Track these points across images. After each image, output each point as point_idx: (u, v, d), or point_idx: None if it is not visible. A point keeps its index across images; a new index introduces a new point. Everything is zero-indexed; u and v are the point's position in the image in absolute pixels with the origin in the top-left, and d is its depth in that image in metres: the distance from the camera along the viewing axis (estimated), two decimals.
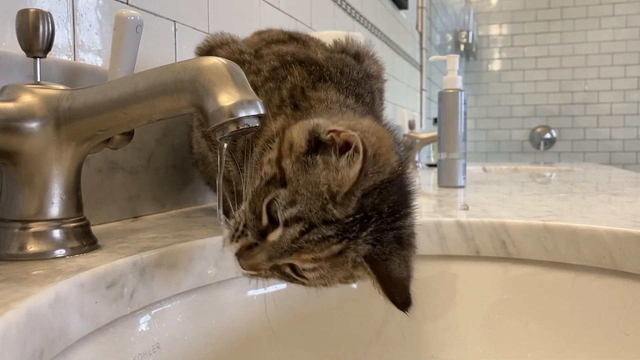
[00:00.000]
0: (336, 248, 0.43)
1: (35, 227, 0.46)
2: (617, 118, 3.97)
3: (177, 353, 0.53)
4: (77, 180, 0.49)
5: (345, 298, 0.68)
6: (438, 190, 1.15)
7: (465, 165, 1.22)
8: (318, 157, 0.44)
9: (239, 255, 0.46)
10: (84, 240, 0.49)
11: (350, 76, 0.58)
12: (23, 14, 0.47)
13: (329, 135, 0.44)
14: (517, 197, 0.97)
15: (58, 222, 0.47)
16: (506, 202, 0.89)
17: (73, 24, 0.63)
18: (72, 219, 0.48)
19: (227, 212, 0.65)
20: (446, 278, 0.69)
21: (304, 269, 0.45)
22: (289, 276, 0.46)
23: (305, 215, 0.43)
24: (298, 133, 0.46)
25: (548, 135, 4.10)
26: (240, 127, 0.42)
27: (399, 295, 0.45)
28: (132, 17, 0.53)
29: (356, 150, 0.42)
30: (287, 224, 0.43)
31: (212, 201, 0.87)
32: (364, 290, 0.69)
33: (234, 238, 0.46)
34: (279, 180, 0.45)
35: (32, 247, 0.46)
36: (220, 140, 0.44)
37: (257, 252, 0.45)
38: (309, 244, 0.43)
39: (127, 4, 0.71)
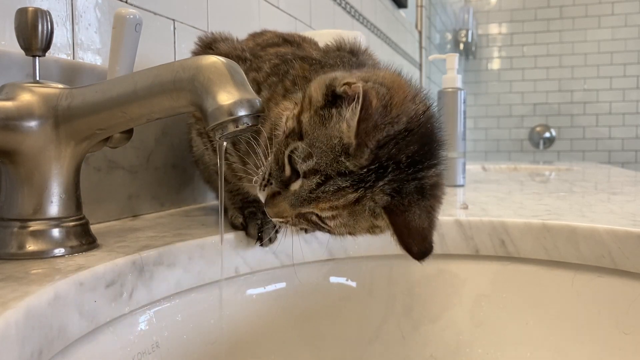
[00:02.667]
0: (352, 197, 0.44)
1: (34, 226, 0.46)
2: (617, 117, 3.97)
3: (176, 352, 0.53)
4: (76, 179, 0.49)
5: (345, 297, 0.68)
6: None
7: (464, 164, 1.22)
8: (334, 110, 0.45)
9: (266, 203, 0.48)
10: (83, 239, 0.49)
11: (350, 62, 0.59)
12: (22, 13, 0.47)
13: (342, 88, 0.45)
14: (517, 196, 0.97)
15: (57, 221, 0.47)
16: (505, 201, 0.89)
17: (72, 23, 0.62)
18: (71, 218, 0.48)
19: (227, 211, 0.66)
20: (445, 277, 0.69)
21: (324, 217, 0.47)
22: (315, 223, 0.48)
23: (321, 167, 0.44)
24: (316, 88, 0.47)
25: (547, 134, 4.09)
26: (240, 126, 0.42)
27: (417, 245, 0.46)
28: (132, 16, 0.53)
29: (357, 101, 0.42)
30: (305, 175, 0.45)
31: (212, 200, 0.87)
32: (363, 290, 0.69)
33: (261, 186, 0.49)
34: (297, 133, 0.46)
35: (31, 246, 0.46)
36: (219, 139, 0.44)
37: (280, 201, 0.47)
38: (326, 194, 0.44)
39: (126, 2, 0.70)
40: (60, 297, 0.38)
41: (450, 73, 1.22)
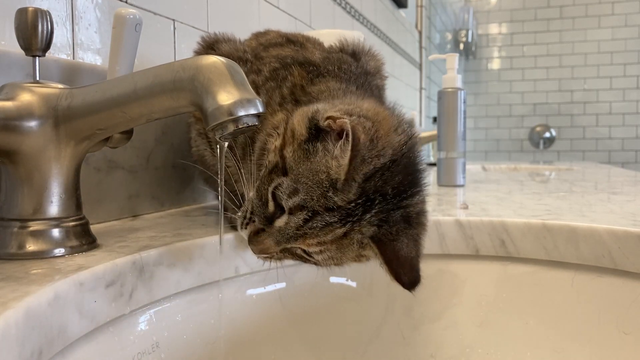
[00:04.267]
0: (340, 232, 0.44)
1: (34, 226, 0.46)
2: (617, 117, 3.97)
3: (176, 352, 0.53)
4: (76, 179, 0.49)
5: (344, 298, 0.68)
6: (437, 189, 1.15)
7: (464, 164, 1.22)
8: (318, 144, 0.45)
9: (250, 240, 0.48)
10: (83, 239, 0.49)
11: (349, 70, 0.59)
12: (22, 13, 0.47)
13: (326, 122, 0.44)
14: (517, 196, 0.97)
15: (57, 221, 0.47)
16: (505, 201, 0.89)
17: (72, 23, 0.62)
18: (71, 218, 0.48)
19: (226, 210, 0.66)
20: (445, 277, 0.69)
21: (311, 252, 0.46)
22: (301, 257, 0.48)
23: (307, 203, 0.44)
24: (299, 121, 0.47)
25: (547, 134, 4.10)
26: (240, 126, 0.42)
27: (407, 274, 0.46)
28: (131, 16, 0.53)
29: (347, 138, 0.42)
30: (291, 211, 0.44)
31: (212, 200, 0.87)
32: (363, 290, 0.69)
33: (242, 225, 0.49)
34: (281, 168, 0.46)
35: (31, 246, 0.46)
36: (219, 139, 0.44)
37: (264, 238, 0.47)
38: (313, 230, 0.44)
39: (126, 2, 0.70)
40: (60, 297, 0.38)
41: (450, 73, 1.22)
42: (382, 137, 0.44)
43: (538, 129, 4.12)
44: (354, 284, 0.69)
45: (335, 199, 0.43)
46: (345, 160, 0.42)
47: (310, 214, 0.44)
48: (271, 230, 0.46)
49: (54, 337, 0.37)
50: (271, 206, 0.46)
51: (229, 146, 0.58)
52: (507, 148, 4.19)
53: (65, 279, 0.39)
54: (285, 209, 0.45)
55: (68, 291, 0.39)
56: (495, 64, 4.22)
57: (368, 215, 0.44)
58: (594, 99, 4.01)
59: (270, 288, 0.63)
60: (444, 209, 0.79)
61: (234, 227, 0.60)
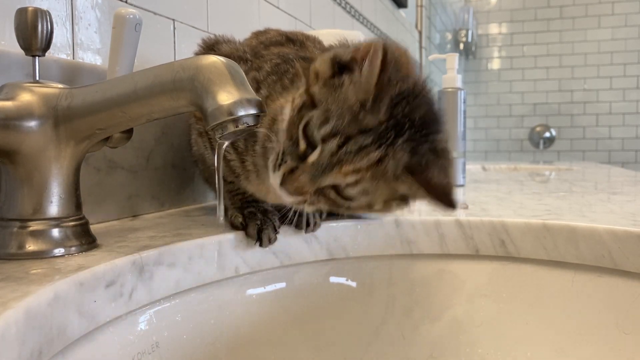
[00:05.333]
0: (374, 155, 0.44)
1: (34, 226, 0.46)
2: (617, 117, 3.97)
3: (176, 352, 0.53)
4: (76, 179, 0.49)
5: (345, 297, 0.68)
6: None
7: (464, 164, 1.22)
8: (344, 76, 0.46)
9: (283, 181, 0.47)
10: (83, 239, 0.49)
11: None
12: (22, 13, 0.47)
13: (350, 55, 0.46)
14: (517, 196, 0.97)
15: (57, 221, 0.47)
16: (505, 201, 0.89)
17: (72, 23, 0.62)
18: (71, 218, 0.48)
19: (226, 211, 0.66)
20: (445, 277, 0.69)
21: (347, 185, 0.46)
22: (334, 201, 0.48)
23: (339, 128, 0.44)
24: (321, 62, 0.48)
25: (547, 134, 4.09)
26: (239, 126, 0.42)
27: (443, 200, 0.47)
28: (131, 16, 0.53)
29: (375, 52, 0.43)
30: (324, 141, 0.45)
31: (212, 200, 0.87)
32: (363, 290, 0.69)
33: (275, 167, 0.48)
34: (310, 104, 0.46)
35: (30, 246, 0.46)
36: (219, 139, 0.44)
37: (299, 175, 0.46)
38: (348, 155, 0.44)
39: (126, 2, 0.70)
40: (60, 297, 0.38)
41: (450, 73, 1.22)
42: (404, 65, 0.46)
43: (538, 129, 4.12)
44: (353, 284, 0.69)
45: (366, 120, 0.44)
46: (373, 78, 0.43)
47: (344, 139, 0.44)
48: (305, 166, 0.46)
49: (54, 337, 0.37)
50: (302, 144, 0.46)
51: (220, 148, 0.58)
52: (507, 148, 4.19)
53: (65, 279, 0.39)
54: (318, 140, 0.45)
55: (68, 291, 0.39)
56: (495, 64, 4.22)
57: (400, 140, 0.45)
58: (594, 99, 4.00)
59: (270, 288, 0.63)
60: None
61: (234, 227, 0.60)
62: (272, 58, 0.60)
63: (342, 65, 0.47)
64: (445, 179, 0.48)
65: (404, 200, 0.50)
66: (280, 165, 0.48)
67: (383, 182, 0.46)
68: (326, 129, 0.45)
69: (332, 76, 0.47)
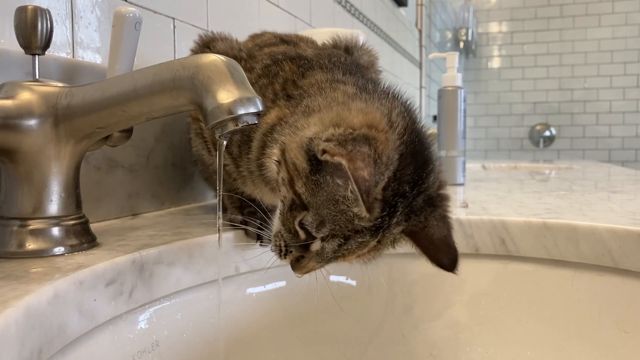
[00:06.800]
0: (374, 243, 0.46)
1: (34, 224, 0.46)
2: (617, 116, 3.96)
3: (176, 351, 0.53)
4: (76, 178, 0.49)
5: (344, 296, 0.68)
6: None
7: (464, 162, 1.22)
8: (326, 176, 0.44)
9: (293, 268, 0.49)
10: (83, 238, 0.49)
11: (338, 61, 0.58)
12: (22, 11, 0.47)
13: (324, 156, 0.43)
14: (517, 195, 0.97)
15: (57, 220, 0.47)
16: (505, 199, 0.89)
17: (72, 21, 0.62)
18: (71, 217, 0.48)
19: (226, 210, 0.66)
20: (445, 276, 0.69)
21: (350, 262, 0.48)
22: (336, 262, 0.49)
23: (337, 232, 0.45)
24: (296, 154, 0.46)
25: (547, 133, 4.09)
26: (239, 125, 0.42)
27: (446, 256, 0.47)
28: (131, 14, 0.53)
29: (348, 178, 0.41)
30: (324, 239, 0.46)
31: (212, 199, 0.87)
32: (363, 289, 0.69)
33: (281, 256, 0.49)
34: (299, 204, 0.46)
35: (30, 245, 0.46)
36: (219, 137, 0.44)
37: (306, 262, 0.48)
38: (349, 250, 0.46)
39: (126, 1, 0.70)
40: (60, 296, 0.38)
41: (451, 71, 1.22)
42: (384, 150, 0.43)
43: (538, 127, 4.12)
44: (353, 283, 0.69)
45: (363, 223, 0.44)
46: (358, 194, 0.42)
47: (342, 240, 0.45)
48: (310, 254, 0.47)
49: (54, 336, 0.37)
50: (302, 234, 0.47)
51: (220, 147, 0.58)
52: (507, 147, 4.19)
53: (65, 277, 0.39)
54: (317, 237, 0.46)
55: (68, 290, 0.39)
56: (495, 63, 4.22)
57: (395, 220, 0.45)
58: (594, 97, 4.00)
59: (270, 287, 0.63)
60: None
61: (233, 225, 0.60)
62: (263, 59, 0.60)
63: (318, 159, 0.44)
64: (445, 228, 0.47)
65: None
66: (286, 255, 0.49)
67: (384, 250, 0.48)
68: (324, 231, 0.45)
69: (311, 172, 0.44)
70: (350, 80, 0.54)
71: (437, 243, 0.47)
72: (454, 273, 0.47)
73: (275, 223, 0.50)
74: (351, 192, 0.43)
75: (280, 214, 0.49)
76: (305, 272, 0.49)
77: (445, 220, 0.48)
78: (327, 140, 0.43)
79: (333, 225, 0.44)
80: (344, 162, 0.41)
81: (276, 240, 0.49)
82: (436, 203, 0.47)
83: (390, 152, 0.44)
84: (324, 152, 0.43)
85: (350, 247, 0.45)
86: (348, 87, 0.52)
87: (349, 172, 0.41)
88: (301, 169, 0.45)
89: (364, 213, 0.43)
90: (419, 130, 0.48)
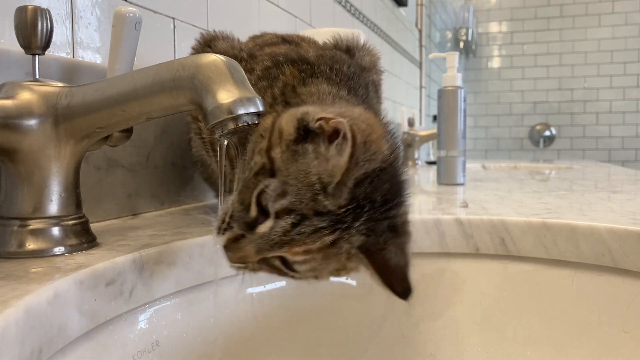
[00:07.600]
0: (329, 239, 0.42)
1: (34, 224, 0.46)
2: (617, 115, 3.97)
3: (176, 351, 0.53)
4: (76, 178, 0.49)
5: (344, 295, 0.68)
6: (437, 188, 1.15)
7: (464, 162, 1.22)
8: (308, 145, 0.43)
9: (227, 247, 0.44)
10: (83, 237, 0.49)
11: (341, 71, 0.57)
12: (21, 11, 0.47)
13: (317, 123, 0.42)
14: (517, 195, 0.97)
15: (57, 220, 0.47)
16: (505, 199, 0.89)
17: (72, 21, 0.62)
18: (71, 217, 0.48)
19: None
20: (445, 276, 0.69)
21: (294, 262, 0.43)
22: (278, 269, 0.45)
23: (296, 206, 0.41)
24: (287, 121, 0.44)
25: (547, 133, 4.10)
26: (240, 125, 0.42)
27: (399, 284, 0.44)
28: (131, 14, 0.53)
29: (345, 137, 0.40)
30: (278, 215, 0.42)
31: (212, 199, 0.87)
32: (363, 288, 0.69)
33: (219, 230, 0.45)
34: (268, 170, 0.43)
35: (30, 245, 0.46)
36: (220, 137, 0.44)
37: (244, 245, 0.43)
38: (301, 235, 0.41)
39: (126, 1, 0.70)
40: (60, 296, 0.38)
41: (451, 71, 1.22)
42: (374, 142, 0.42)
43: (538, 127, 4.12)
44: (353, 282, 0.69)
45: (326, 202, 0.41)
46: (342, 161, 0.40)
47: (299, 218, 0.41)
48: (252, 236, 0.43)
49: (54, 336, 0.37)
50: (254, 211, 0.43)
51: (221, 147, 0.57)
52: (507, 146, 4.20)
53: (65, 277, 0.39)
54: (272, 212, 0.42)
55: (68, 290, 0.39)
56: (495, 63, 4.22)
57: (357, 223, 0.42)
58: (594, 97, 4.01)
59: (270, 287, 0.63)
60: (444, 207, 0.79)
61: None
62: (264, 59, 0.59)
63: (308, 130, 0.43)
64: (403, 259, 0.44)
65: (355, 269, 0.46)
66: (225, 230, 0.44)
67: (334, 261, 0.44)
68: (282, 203, 0.41)
69: (295, 140, 0.43)
70: (353, 101, 0.54)
71: (393, 269, 0.44)
72: (405, 300, 0.44)
73: (232, 195, 0.46)
74: (330, 160, 0.41)
75: (242, 182, 0.45)
76: (238, 260, 0.44)
77: (404, 253, 0.45)
78: (327, 114, 0.43)
79: (294, 199, 0.41)
80: (344, 124, 0.40)
81: (222, 213, 0.45)
82: (400, 233, 0.45)
83: (377, 151, 0.43)
84: (321, 119, 0.42)
85: (303, 230, 0.41)
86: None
87: (346, 128, 0.40)
88: (285, 135, 0.44)
89: (336, 178, 0.40)
90: (401, 163, 0.47)
